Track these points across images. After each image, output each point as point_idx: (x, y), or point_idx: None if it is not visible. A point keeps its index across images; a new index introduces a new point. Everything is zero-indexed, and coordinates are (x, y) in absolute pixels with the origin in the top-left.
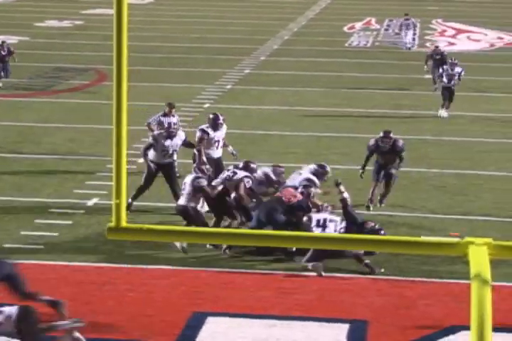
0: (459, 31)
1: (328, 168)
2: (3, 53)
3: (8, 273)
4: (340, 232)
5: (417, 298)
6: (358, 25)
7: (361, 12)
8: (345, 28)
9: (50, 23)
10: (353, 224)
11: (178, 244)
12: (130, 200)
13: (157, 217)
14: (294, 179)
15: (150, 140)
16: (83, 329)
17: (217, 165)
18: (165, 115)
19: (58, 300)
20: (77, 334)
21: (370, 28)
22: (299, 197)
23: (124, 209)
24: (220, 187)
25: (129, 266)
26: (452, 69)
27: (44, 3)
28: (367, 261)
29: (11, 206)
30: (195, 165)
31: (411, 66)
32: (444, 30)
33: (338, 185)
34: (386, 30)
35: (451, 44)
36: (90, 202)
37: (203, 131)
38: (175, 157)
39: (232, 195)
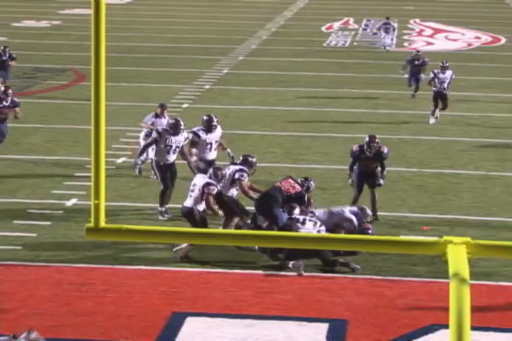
0: (437, 31)
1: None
2: (4, 58)
3: None
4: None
5: (396, 297)
6: (336, 25)
7: (339, 12)
8: (323, 28)
9: (28, 23)
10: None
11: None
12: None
13: (135, 218)
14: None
15: (154, 135)
16: (63, 330)
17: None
18: (157, 116)
19: None
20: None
21: (348, 28)
22: (298, 188)
23: (103, 210)
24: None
25: (108, 266)
26: (443, 73)
27: (21, 3)
28: (341, 260)
29: None
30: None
31: (389, 66)
32: (422, 30)
33: None
34: (364, 30)
35: (429, 44)
36: (69, 203)
37: (195, 133)
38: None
39: (231, 192)
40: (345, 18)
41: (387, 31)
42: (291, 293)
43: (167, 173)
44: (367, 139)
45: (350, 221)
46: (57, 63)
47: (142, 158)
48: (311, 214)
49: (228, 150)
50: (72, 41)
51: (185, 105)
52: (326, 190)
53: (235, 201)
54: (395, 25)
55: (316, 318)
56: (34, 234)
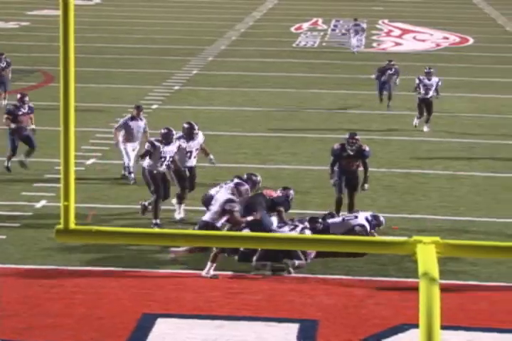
0: (405, 31)
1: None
2: (1, 65)
3: None
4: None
5: (366, 297)
6: (305, 25)
7: (308, 13)
8: (292, 29)
9: None
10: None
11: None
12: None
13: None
14: None
15: (146, 147)
16: (32, 332)
17: (190, 174)
18: (133, 118)
19: None
20: None
21: (317, 29)
22: (279, 193)
23: (73, 211)
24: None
25: (78, 268)
26: (429, 79)
27: None
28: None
29: None
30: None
31: (358, 66)
32: (390, 31)
33: None
34: (333, 30)
35: (398, 44)
36: (38, 205)
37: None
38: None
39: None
40: (314, 19)
41: (356, 32)
42: (262, 294)
43: (160, 183)
44: (347, 136)
45: (362, 226)
46: (26, 64)
47: (126, 162)
48: (291, 226)
49: (211, 156)
50: (41, 42)
51: (154, 106)
52: (296, 191)
53: None
54: (364, 26)
55: (287, 318)
56: (3, 236)
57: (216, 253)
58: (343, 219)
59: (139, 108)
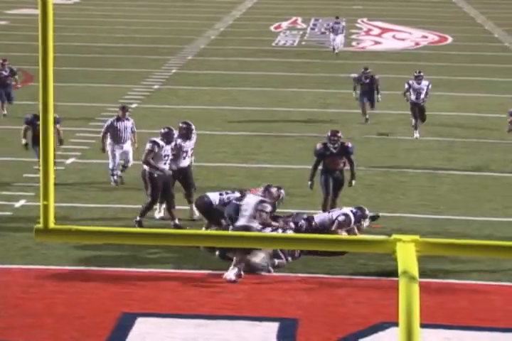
0: (384, 30)
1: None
2: (4, 74)
3: None
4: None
5: (346, 296)
6: (285, 24)
7: (287, 11)
8: (271, 28)
9: None
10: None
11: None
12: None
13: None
14: None
15: (147, 146)
16: (12, 332)
17: (185, 174)
18: (118, 119)
19: None
20: None
21: (297, 28)
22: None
23: (52, 211)
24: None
25: (57, 267)
26: (419, 83)
27: None
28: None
29: None
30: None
31: (337, 65)
32: (370, 30)
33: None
34: (312, 29)
35: (377, 43)
36: (18, 204)
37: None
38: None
39: None
40: (294, 18)
41: (337, 32)
42: (242, 293)
43: (159, 185)
44: (328, 133)
45: (346, 215)
46: None
47: (111, 165)
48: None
49: (193, 158)
50: (20, 41)
51: (134, 105)
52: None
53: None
54: (344, 24)
55: (267, 317)
56: None
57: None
58: (328, 212)
59: (124, 108)
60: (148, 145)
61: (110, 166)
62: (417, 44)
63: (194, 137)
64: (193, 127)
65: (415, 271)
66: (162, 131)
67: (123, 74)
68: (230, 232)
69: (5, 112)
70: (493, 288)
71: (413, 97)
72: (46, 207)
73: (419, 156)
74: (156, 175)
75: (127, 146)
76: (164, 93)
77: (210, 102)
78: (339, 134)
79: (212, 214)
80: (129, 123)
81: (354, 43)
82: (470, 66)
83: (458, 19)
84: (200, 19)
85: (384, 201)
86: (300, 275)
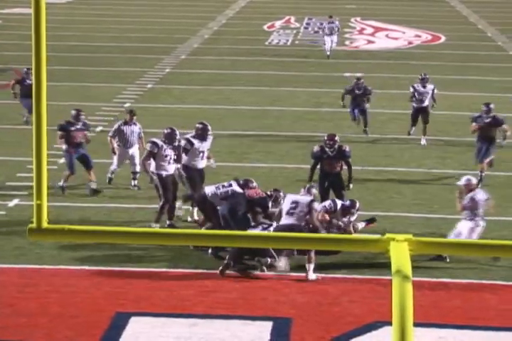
0: (378, 29)
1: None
2: (28, 82)
3: None
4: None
5: (340, 295)
6: (278, 23)
7: (281, 11)
8: (265, 27)
9: None
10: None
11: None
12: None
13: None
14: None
15: (147, 147)
16: (6, 331)
17: (201, 176)
18: (125, 123)
19: None
20: None
21: (290, 27)
22: (262, 194)
23: (46, 210)
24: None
25: (51, 266)
26: (424, 87)
27: None
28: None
29: None
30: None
31: (331, 64)
32: (363, 29)
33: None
34: (306, 28)
35: (370, 42)
36: (11, 203)
37: (188, 140)
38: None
39: None
40: (287, 17)
41: (331, 32)
42: (235, 292)
43: (169, 186)
44: (325, 137)
45: (333, 201)
46: None
47: (113, 168)
48: (264, 225)
49: (212, 160)
50: (13, 41)
51: (127, 104)
52: (269, 189)
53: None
54: (338, 24)
55: (261, 316)
56: None
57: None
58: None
59: (131, 112)
60: (147, 146)
61: (112, 167)
62: (410, 43)
63: (210, 138)
64: (209, 127)
65: (408, 270)
66: (165, 131)
67: (116, 73)
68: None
69: (28, 119)
70: (486, 286)
71: (416, 102)
72: (39, 207)
73: (413, 155)
74: (164, 176)
75: (134, 151)
76: (158, 92)
77: (204, 101)
78: (336, 138)
79: (206, 208)
80: (136, 128)
81: (347, 42)
82: (463, 65)
83: (451, 18)
84: (193, 18)
85: (378, 200)
86: (293, 274)
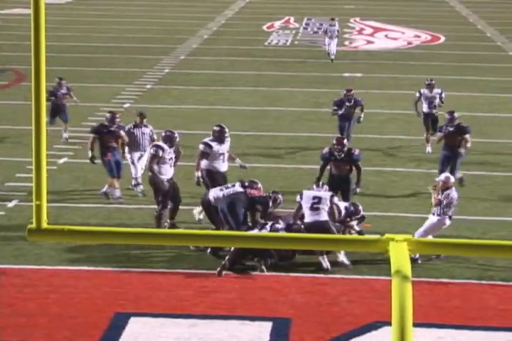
0: (377, 30)
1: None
2: (62, 92)
3: None
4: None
5: (339, 295)
6: (277, 24)
7: (280, 11)
8: (264, 27)
9: None
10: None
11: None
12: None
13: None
14: None
15: (151, 151)
16: (5, 331)
17: (224, 179)
18: (136, 126)
19: None
20: None
21: (289, 27)
22: (262, 193)
23: (45, 211)
24: None
25: (51, 267)
26: (431, 91)
27: None
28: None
29: None
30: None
31: (330, 65)
32: (362, 29)
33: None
34: (305, 29)
35: (369, 42)
36: (10, 204)
37: (206, 144)
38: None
39: None
40: (286, 17)
41: (332, 34)
42: (234, 292)
43: (170, 191)
44: (334, 141)
45: (337, 206)
46: None
47: (134, 173)
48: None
49: (238, 160)
50: (13, 41)
51: (126, 105)
52: (269, 189)
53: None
54: (338, 27)
55: (260, 317)
56: None
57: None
58: None
59: (141, 115)
60: (152, 150)
61: (133, 175)
62: (409, 43)
63: (228, 140)
64: (227, 130)
65: (408, 270)
66: (163, 134)
67: (115, 73)
68: (223, 232)
69: (67, 136)
70: (485, 286)
71: (425, 107)
72: (39, 207)
73: (412, 155)
74: (166, 180)
75: (146, 154)
76: (157, 93)
77: (203, 102)
78: (344, 142)
79: (210, 213)
80: (147, 130)
81: (347, 43)
82: (462, 65)
83: (450, 18)
84: (192, 19)
85: (377, 200)
86: (292, 274)
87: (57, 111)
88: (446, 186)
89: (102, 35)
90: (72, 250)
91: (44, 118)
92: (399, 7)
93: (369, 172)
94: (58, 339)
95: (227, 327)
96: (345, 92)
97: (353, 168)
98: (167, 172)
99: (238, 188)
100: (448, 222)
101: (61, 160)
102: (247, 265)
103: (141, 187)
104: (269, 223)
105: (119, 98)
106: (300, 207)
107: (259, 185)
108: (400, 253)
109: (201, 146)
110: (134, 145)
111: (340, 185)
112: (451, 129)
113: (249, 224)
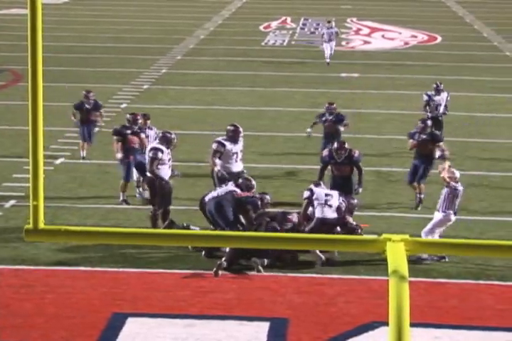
0: (374, 30)
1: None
2: (87, 107)
3: None
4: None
5: (336, 295)
6: (274, 24)
7: (277, 11)
8: (261, 27)
9: None
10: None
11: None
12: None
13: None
14: None
15: (151, 154)
16: (2, 332)
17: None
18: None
19: None
20: None
21: (286, 27)
22: (250, 194)
23: (42, 211)
24: None
25: (48, 267)
26: (438, 95)
27: None
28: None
29: None
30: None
31: (327, 65)
32: (359, 29)
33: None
34: (302, 29)
35: (366, 42)
36: (7, 204)
37: (220, 142)
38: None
39: None
40: (283, 17)
41: (330, 37)
42: (232, 292)
43: (167, 193)
44: (335, 145)
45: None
46: None
47: (135, 176)
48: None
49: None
50: (10, 41)
51: (123, 105)
52: (265, 190)
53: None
54: (336, 30)
55: (257, 317)
56: None
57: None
58: None
59: (145, 116)
60: (151, 154)
61: (135, 178)
62: (406, 43)
63: (242, 140)
64: (241, 129)
65: (405, 270)
66: (161, 135)
67: (112, 74)
68: (219, 232)
69: (84, 154)
70: (483, 286)
71: (432, 110)
72: (36, 208)
73: (409, 156)
74: (164, 182)
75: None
76: (154, 93)
77: (200, 102)
78: (345, 145)
79: (205, 214)
80: (151, 133)
81: (343, 43)
82: (459, 65)
83: (447, 19)
84: (189, 19)
85: (374, 200)
86: (290, 274)
87: (84, 125)
88: (452, 179)
89: (99, 35)
90: (69, 250)
91: (41, 118)
92: (396, 7)
93: (366, 173)
94: (55, 340)
95: (225, 327)
96: (327, 105)
97: (354, 168)
98: (166, 173)
99: (230, 187)
100: (453, 217)
101: (58, 161)
102: (244, 265)
103: (140, 190)
104: (264, 222)
105: (115, 98)
106: (309, 204)
107: (253, 182)
108: (397, 254)
109: (214, 145)
110: (140, 147)
111: (342, 186)
112: (424, 137)
113: (244, 224)
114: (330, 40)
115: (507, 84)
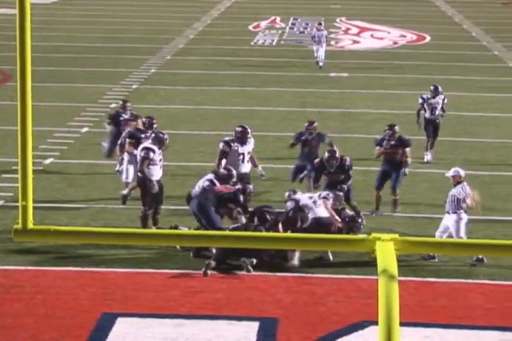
0: (363, 29)
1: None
2: (125, 118)
3: None
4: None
5: (326, 295)
6: (263, 23)
7: (266, 11)
8: (250, 27)
9: None
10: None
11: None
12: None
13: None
14: None
15: (142, 154)
16: None
17: (245, 180)
18: (137, 129)
19: None
20: None
21: (275, 27)
22: (230, 188)
23: (31, 211)
24: None
25: (37, 268)
26: (434, 97)
27: None
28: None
29: None
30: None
31: (316, 64)
32: (348, 29)
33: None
34: (291, 28)
35: (355, 42)
36: None
37: (226, 143)
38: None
39: None
40: (272, 17)
41: (320, 39)
42: (221, 292)
43: (158, 194)
44: (326, 155)
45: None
46: None
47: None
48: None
49: (260, 167)
50: None
51: (113, 105)
52: (256, 189)
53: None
54: (326, 32)
55: (247, 317)
56: None
57: None
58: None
59: (137, 117)
60: (142, 153)
61: (124, 179)
62: (395, 43)
63: (250, 141)
64: (249, 131)
65: (394, 270)
66: (153, 135)
67: (102, 73)
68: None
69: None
70: (472, 286)
71: (428, 113)
72: (25, 208)
73: None
74: (155, 182)
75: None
76: (143, 93)
77: (189, 102)
78: (336, 155)
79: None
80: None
81: (333, 42)
82: (448, 65)
83: (436, 18)
84: (178, 19)
85: (364, 199)
86: (279, 274)
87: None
88: (457, 180)
89: (88, 35)
90: (58, 250)
91: (30, 118)
92: (385, 7)
93: (356, 172)
94: (45, 340)
95: (214, 327)
96: (306, 125)
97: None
98: (157, 173)
99: (209, 175)
100: (465, 216)
101: (47, 161)
102: (233, 265)
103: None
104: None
105: (105, 98)
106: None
107: (234, 172)
108: (386, 253)
109: (221, 145)
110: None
111: (336, 187)
112: (392, 143)
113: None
114: (320, 42)
115: (495, 83)
